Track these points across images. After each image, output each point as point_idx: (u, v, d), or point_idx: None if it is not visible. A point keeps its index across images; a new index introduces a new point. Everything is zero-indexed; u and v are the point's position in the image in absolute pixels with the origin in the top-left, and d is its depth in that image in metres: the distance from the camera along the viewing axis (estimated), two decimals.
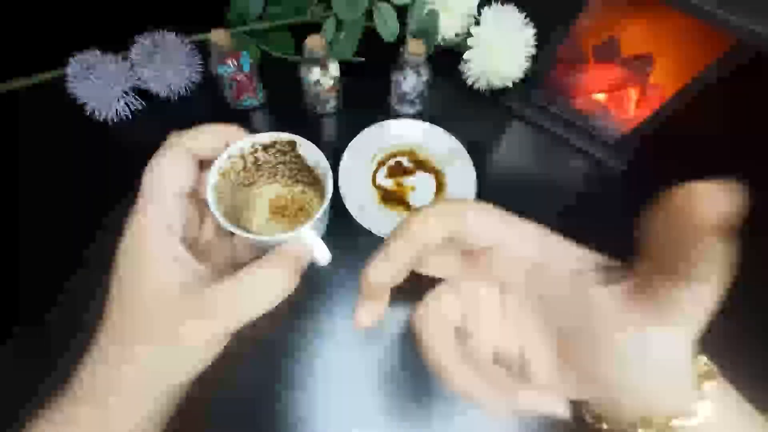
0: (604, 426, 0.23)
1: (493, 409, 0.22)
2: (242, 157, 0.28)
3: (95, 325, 0.23)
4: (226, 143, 0.27)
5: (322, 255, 0.26)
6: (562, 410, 0.22)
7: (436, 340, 0.23)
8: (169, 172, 0.24)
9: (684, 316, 0.19)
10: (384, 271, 0.22)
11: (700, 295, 0.18)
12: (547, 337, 0.23)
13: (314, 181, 0.31)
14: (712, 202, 0.15)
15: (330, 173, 0.28)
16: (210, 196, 0.25)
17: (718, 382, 0.21)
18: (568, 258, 0.22)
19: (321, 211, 0.26)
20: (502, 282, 0.24)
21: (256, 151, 0.28)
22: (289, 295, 0.24)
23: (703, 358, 0.21)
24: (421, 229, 0.22)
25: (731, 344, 0.25)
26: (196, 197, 0.26)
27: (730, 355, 0.24)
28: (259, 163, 0.30)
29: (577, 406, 0.24)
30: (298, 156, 0.30)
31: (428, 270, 0.25)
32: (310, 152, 0.29)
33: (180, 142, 0.25)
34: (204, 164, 0.26)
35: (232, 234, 0.25)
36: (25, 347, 0.34)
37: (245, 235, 0.25)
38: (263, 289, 0.23)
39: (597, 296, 0.21)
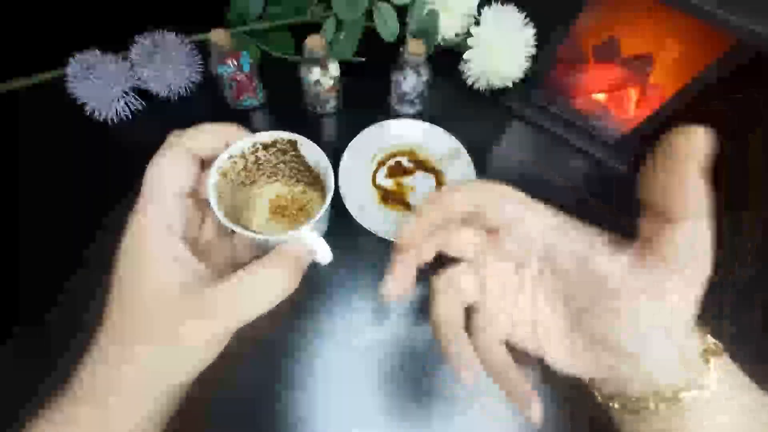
0: (616, 405, 0.24)
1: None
2: (243, 156, 0.28)
3: (95, 325, 0.23)
4: (226, 143, 0.27)
5: (324, 255, 0.26)
6: (534, 412, 0.23)
7: (446, 313, 0.25)
8: (169, 171, 0.24)
9: (682, 261, 0.20)
10: (412, 228, 0.25)
11: (694, 234, 0.20)
12: (560, 311, 0.25)
13: (315, 181, 0.31)
14: (697, 141, 0.19)
15: (331, 173, 0.27)
16: (211, 196, 0.25)
17: (724, 359, 0.22)
18: (579, 235, 0.24)
19: (322, 210, 0.26)
20: (519, 260, 0.26)
21: (256, 150, 0.28)
22: (289, 295, 0.24)
23: (710, 337, 0.23)
24: (450, 196, 0.25)
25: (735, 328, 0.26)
26: (196, 197, 0.26)
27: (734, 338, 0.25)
28: (260, 162, 0.30)
29: (587, 387, 0.26)
30: (299, 155, 0.29)
31: (453, 248, 0.27)
32: (310, 152, 0.29)
33: (180, 142, 0.25)
34: (204, 164, 0.26)
35: (233, 233, 0.25)
36: (25, 347, 0.34)
37: (247, 234, 0.25)
38: (264, 289, 0.23)
39: (606, 265, 0.22)
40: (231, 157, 0.27)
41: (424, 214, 0.25)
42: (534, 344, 0.26)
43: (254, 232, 0.25)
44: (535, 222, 0.25)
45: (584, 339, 0.24)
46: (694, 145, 0.19)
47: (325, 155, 0.28)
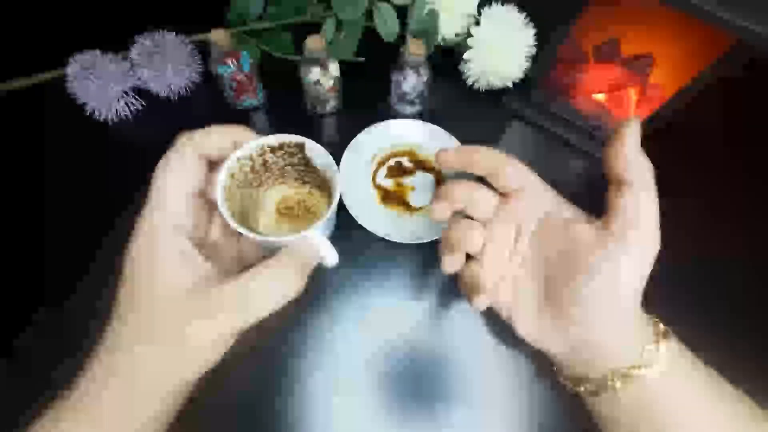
0: (582, 389, 0.27)
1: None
2: (251, 158, 0.28)
3: (99, 327, 0.23)
4: (234, 144, 0.27)
5: (330, 257, 0.26)
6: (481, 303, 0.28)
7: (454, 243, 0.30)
8: (178, 172, 0.24)
9: (634, 226, 0.24)
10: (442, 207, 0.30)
11: (643, 200, 0.24)
12: (538, 281, 0.29)
13: (321, 183, 0.31)
14: (635, 126, 0.25)
15: (338, 175, 0.28)
16: (219, 197, 0.25)
17: (674, 341, 0.26)
18: (569, 209, 0.29)
19: (329, 212, 0.26)
20: (520, 223, 0.29)
21: (264, 153, 0.29)
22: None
23: (661, 324, 0.26)
24: (473, 153, 0.30)
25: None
26: (204, 197, 0.26)
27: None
28: (267, 164, 0.30)
29: (562, 382, 0.29)
30: (306, 158, 0.30)
31: (473, 205, 0.30)
32: (318, 154, 0.29)
33: (189, 143, 0.25)
34: (212, 165, 0.26)
35: (240, 234, 0.25)
36: (25, 348, 0.34)
37: (255, 236, 0.25)
38: (272, 290, 0.23)
39: (582, 232, 0.26)
40: (239, 159, 0.27)
41: (446, 161, 0.30)
42: (509, 311, 0.29)
43: (261, 234, 0.25)
44: (539, 190, 0.29)
45: (552, 315, 0.27)
46: (634, 128, 0.25)
47: (332, 158, 0.28)
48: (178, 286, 0.22)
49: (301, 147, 0.29)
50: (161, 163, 0.24)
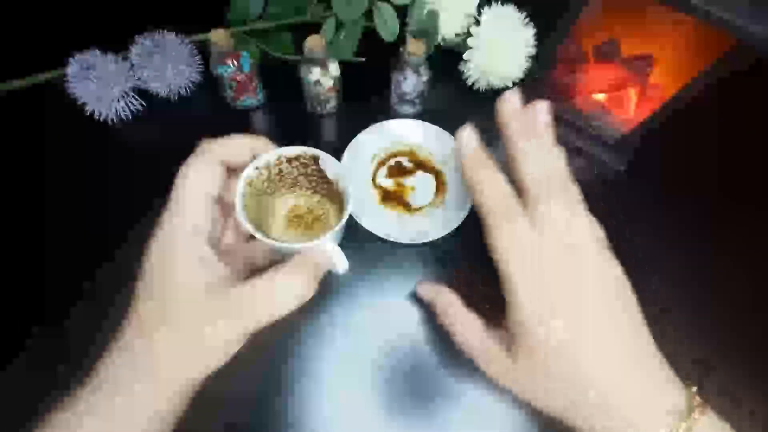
0: None
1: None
2: (267, 168, 0.29)
3: (107, 328, 0.23)
4: (252, 153, 0.28)
5: (342, 264, 0.27)
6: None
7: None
8: (199, 176, 0.25)
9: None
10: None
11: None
12: None
13: (331, 193, 0.32)
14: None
15: (350, 187, 0.28)
16: (238, 204, 0.26)
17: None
18: None
19: (342, 221, 0.27)
20: None
21: (281, 162, 0.30)
22: None
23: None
24: None
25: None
26: (221, 202, 0.27)
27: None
28: (282, 173, 0.31)
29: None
30: (320, 169, 0.31)
31: None
32: (331, 166, 0.30)
33: (211, 149, 0.26)
34: (230, 171, 0.27)
35: (252, 239, 0.26)
36: (31, 355, 0.34)
37: (273, 243, 0.25)
38: (285, 293, 0.24)
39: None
40: (257, 168, 0.28)
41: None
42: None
43: (277, 240, 0.26)
44: None
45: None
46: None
47: (345, 170, 0.29)
48: (196, 286, 0.23)
49: (315, 159, 0.30)
50: (183, 167, 0.25)
